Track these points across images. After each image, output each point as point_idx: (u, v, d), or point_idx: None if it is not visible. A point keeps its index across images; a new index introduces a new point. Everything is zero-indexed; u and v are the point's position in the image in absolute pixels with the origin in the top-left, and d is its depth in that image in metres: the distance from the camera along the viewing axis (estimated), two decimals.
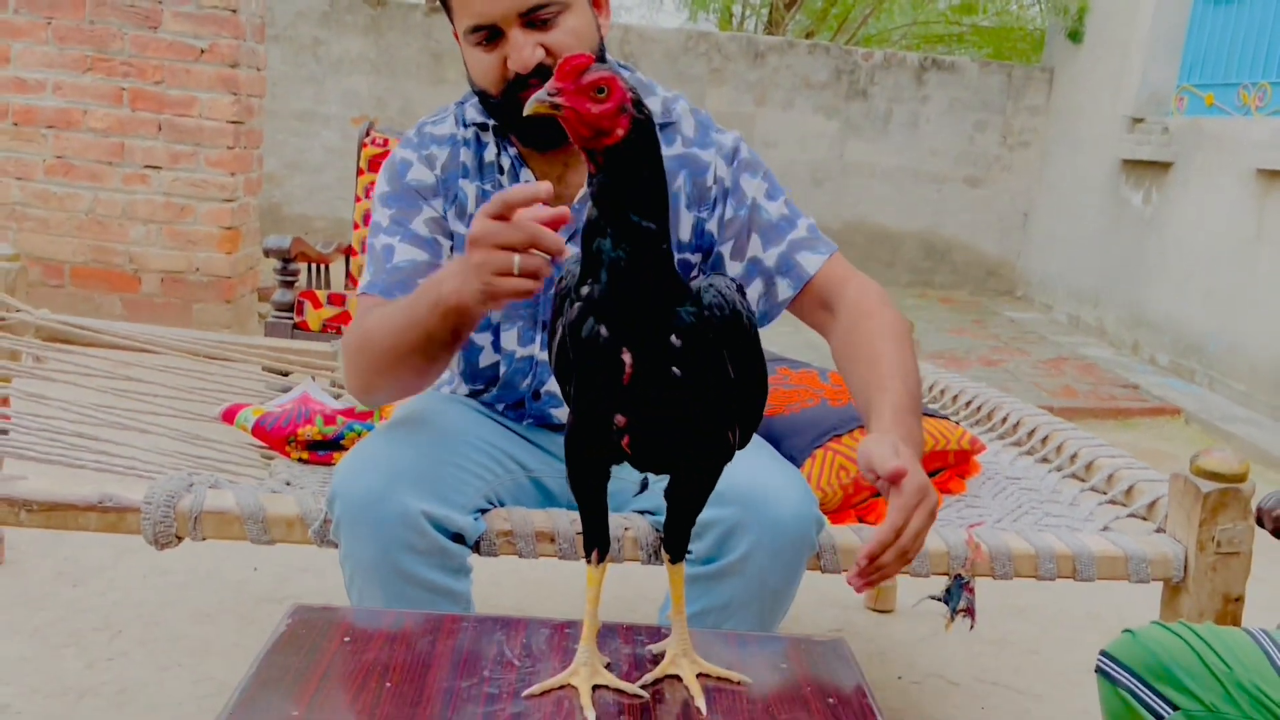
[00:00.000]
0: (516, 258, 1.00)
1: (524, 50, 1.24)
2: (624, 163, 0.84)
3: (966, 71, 7.04)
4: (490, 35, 1.26)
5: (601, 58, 1.33)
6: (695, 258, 1.40)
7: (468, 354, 1.45)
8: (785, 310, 1.40)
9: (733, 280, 0.92)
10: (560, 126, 1.20)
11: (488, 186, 1.39)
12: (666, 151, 1.33)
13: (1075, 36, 6.62)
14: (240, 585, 2.22)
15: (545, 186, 0.99)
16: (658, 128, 1.35)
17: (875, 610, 2.34)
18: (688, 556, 1.26)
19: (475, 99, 1.38)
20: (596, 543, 1.00)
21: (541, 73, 1.23)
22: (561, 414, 1.45)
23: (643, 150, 0.84)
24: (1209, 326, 4.83)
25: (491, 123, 1.37)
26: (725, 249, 1.38)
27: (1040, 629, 2.34)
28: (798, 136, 6.89)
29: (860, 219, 7.06)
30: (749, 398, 0.94)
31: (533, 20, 1.24)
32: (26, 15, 3.81)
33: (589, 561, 1.01)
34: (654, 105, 1.37)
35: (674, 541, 1.02)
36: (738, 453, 1.33)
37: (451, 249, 1.39)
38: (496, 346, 1.43)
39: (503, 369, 1.43)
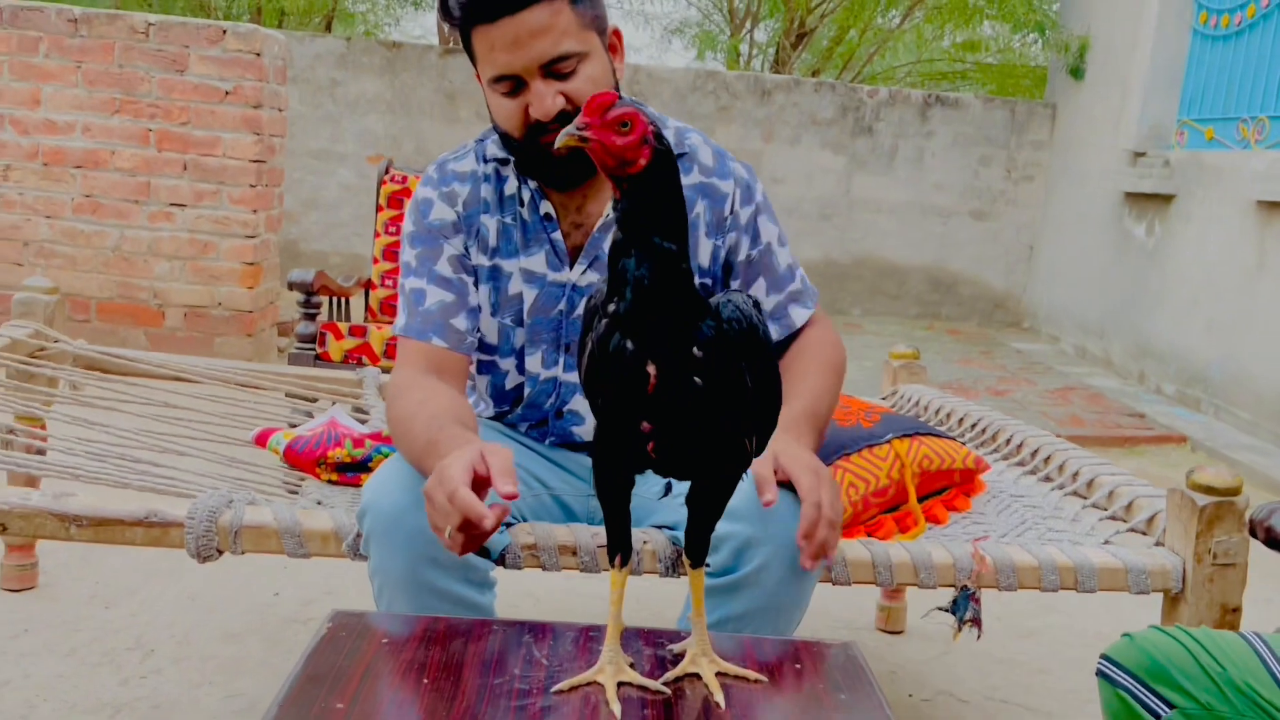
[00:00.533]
0: (448, 532, 1.08)
1: (545, 100, 1.32)
2: (647, 189, 0.90)
3: (970, 107, 7.15)
4: (514, 85, 1.33)
5: None
6: (709, 280, 1.48)
7: (493, 377, 1.52)
8: None
9: (749, 296, 0.99)
10: (577, 169, 1.27)
11: (508, 220, 1.46)
12: (684, 180, 1.41)
13: (1077, 73, 6.74)
14: (265, 608, 2.28)
15: (501, 510, 1.07)
16: (678, 153, 1.44)
17: (885, 631, 2.38)
18: (704, 569, 1.33)
19: (496, 136, 1.45)
20: (620, 548, 1.07)
21: (562, 119, 1.30)
22: (582, 432, 1.52)
23: (664, 177, 0.91)
24: (1213, 355, 4.88)
25: (510, 159, 1.45)
26: (737, 284, 1.48)
27: (1049, 649, 2.39)
28: (805, 172, 7.00)
29: (867, 253, 7.15)
30: (765, 407, 1.02)
31: (554, 71, 1.31)
32: (57, 59, 3.93)
33: (613, 566, 1.07)
34: (668, 137, 1.45)
35: (695, 547, 1.08)
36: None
37: (476, 283, 1.46)
38: (521, 369, 1.50)
39: (527, 390, 1.50)
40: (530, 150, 1.37)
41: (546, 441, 1.55)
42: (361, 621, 1.16)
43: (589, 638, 1.15)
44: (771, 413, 1.03)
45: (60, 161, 4.00)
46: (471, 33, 1.33)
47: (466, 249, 1.46)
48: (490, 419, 1.59)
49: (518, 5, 1.28)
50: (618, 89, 1.40)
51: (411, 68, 6.68)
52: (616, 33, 1.42)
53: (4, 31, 3.92)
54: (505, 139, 1.40)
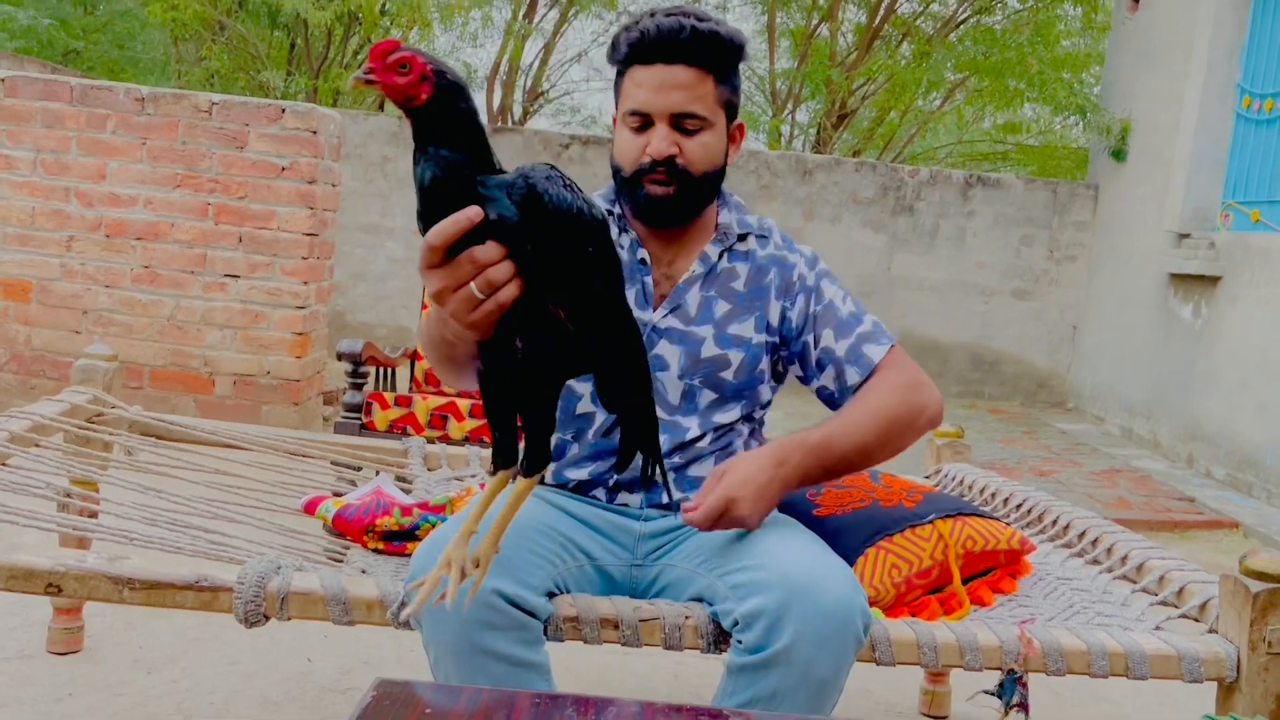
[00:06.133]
0: (472, 287, 1.09)
1: (662, 142, 1.50)
2: (432, 114, 1.09)
3: (1012, 188, 7.18)
4: (643, 124, 1.51)
5: (720, 180, 1.57)
6: (776, 339, 1.60)
7: (566, 400, 1.57)
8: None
9: (550, 169, 1.11)
10: (670, 210, 1.53)
11: None
12: (762, 250, 1.62)
13: (1119, 155, 6.76)
14: (304, 676, 2.28)
15: (472, 211, 1.07)
16: (746, 237, 1.61)
17: (929, 716, 2.33)
18: (737, 645, 1.33)
19: (594, 195, 1.60)
20: (501, 454, 1.22)
21: (668, 165, 1.50)
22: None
23: (447, 105, 1.08)
24: (1265, 439, 4.79)
25: (615, 210, 1.60)
26: (809, 338, 1.59)
27: None
28: (845, 249, 7.05)
29: (908, 330, 7.14)
30: (554, 270, 1.10)
31: (679, 124, 1.50)
32: (124, 136, 4.10)
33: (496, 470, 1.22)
34: (751, 221, 1.65)
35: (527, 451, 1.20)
36: (786, 542, 1.40)
37: None
38: (595, 398, 1.56)
39: (598, 419, 1.56)
40: (633, 184, 1.53)
41: (597, 502, 1.56)
42: (405, 691, 1.16)
43: (632, 715, 1.15)
44: (586, 295, 1.13)
45: (122, 233, 4.14)
46: (627, 71, 1.52)
47: None
48: (546, 484, 1.61)
49: (672, 59, 1.48)
50: (724, 170, 1.57)
51: None
52: (740, 127, 1.60)
53: (74, 109, 4.09)
54: (616, 174, 1.57)
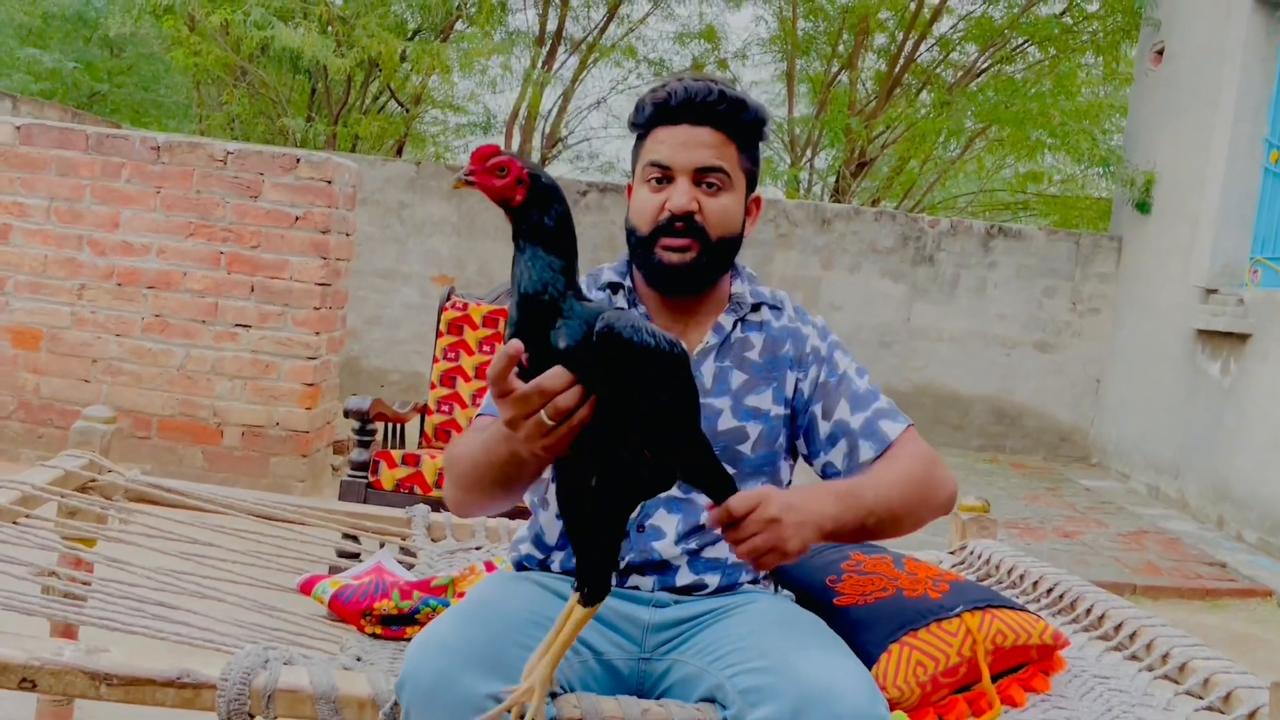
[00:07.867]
0: (542, 416, 1.13)
1: (683, 196, 1.48)
2: (529, 215, 1.15)
3: (1034, 239, 7.11)
4: (664, 178, 1.50)
5: (735, 249, 1.54)
6: (787, 411, 1.55)
7: None
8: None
9: (641, 321, 1.15)
10: (685, 276, 1.50)
11: None
12: (776, 322, 1.59)
13: (1143, 207, 6.68)
14: None
15: (512, 346, 1.12)
16: (760, 307, 1.57)
17: None
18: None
19: (604, 268, 1.60)
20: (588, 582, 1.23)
21: (686, 220, 1.48)
22: (662, 548, 1.48)
23: (541, 207, 1.15)
24: None
25: (625, 284, 1.56)
26: (818, 409, 1.55)
27: None
28: (864, 299, 6.97)
29: (928, 381, 7.04)
30: (656, 419, 1.16)
31: (700, 180, 1.48)
32: (138, 184, 4.08)
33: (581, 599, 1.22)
34: (764, 292, 1.62)
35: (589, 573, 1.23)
36: (799, 642, 1.31)
37: None
38: None
39: None
40: (649, 245, 1.50)
41: (614, 576, 1.48)
42: None
43: None
44: (669, 428, 1.18)
45: (134, 282, 4.11)
46: (650, 132, 1.52)
47: None
48: (541, 575, 1.52)
49: (699, 120, 1.48)
50: (740, 240, 1.54)
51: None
52: (757, 200, 1.59)
53: (89, 157, 4.09)
54: (631, 236, 1.54)
